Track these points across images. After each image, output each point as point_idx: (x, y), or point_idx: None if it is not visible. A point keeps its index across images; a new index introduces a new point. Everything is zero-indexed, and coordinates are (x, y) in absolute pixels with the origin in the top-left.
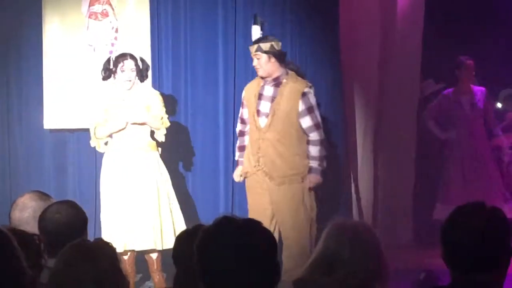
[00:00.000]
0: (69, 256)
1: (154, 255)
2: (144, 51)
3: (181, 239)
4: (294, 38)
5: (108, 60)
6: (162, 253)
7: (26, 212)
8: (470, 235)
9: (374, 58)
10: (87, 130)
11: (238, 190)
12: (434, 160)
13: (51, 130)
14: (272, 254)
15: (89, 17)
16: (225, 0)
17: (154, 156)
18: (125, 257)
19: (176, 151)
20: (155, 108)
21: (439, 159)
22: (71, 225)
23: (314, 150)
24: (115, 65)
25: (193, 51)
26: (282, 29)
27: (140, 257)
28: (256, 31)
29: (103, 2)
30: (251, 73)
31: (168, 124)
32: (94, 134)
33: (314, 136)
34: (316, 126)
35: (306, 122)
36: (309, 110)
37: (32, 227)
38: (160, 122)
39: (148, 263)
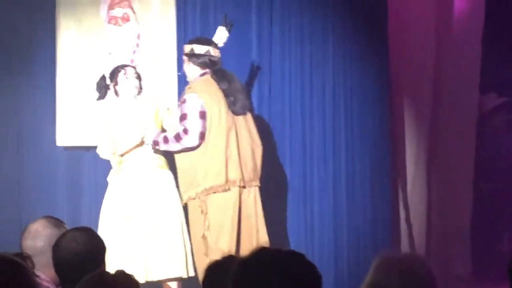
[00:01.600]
0: None
1: (173, 285)
2: (169, 60)
3: (211, 270)
4: (337, 49)
5: (103, 77)
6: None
7: (40, 241)
8: None
9: (427, 67)
10: None
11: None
12: (496, 182)
13: (65, 148)
14: None
15: (109, 22)
16: (260, 3)
17: (169, 175)
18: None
19: None
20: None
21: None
22: (88, 255)
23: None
24: (112, 78)
25: (224, 60)
26: (323, 30)
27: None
28: (220, 33)
29: (124, 5)
30: (288, 82)
31: None
32: (114, 153)
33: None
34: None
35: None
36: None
37: (47, 258)
38: None
39: None
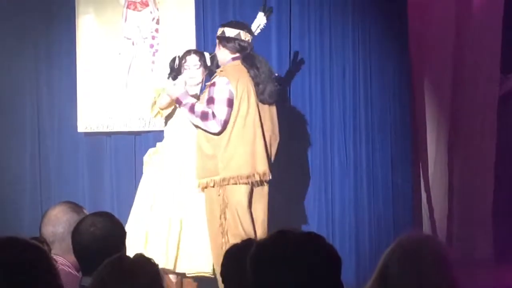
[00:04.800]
0: (106, 275)
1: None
2: (188, 45)
3: (230, 254)
4: (357, 31)
5: (173, 59)
6: None
7: (60, 227)
8: None
9: (447, 50)
10: (126, 133)
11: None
12: None
13: (86, 134)
14: (334, 272)
15: (127, 7)
16: None
17: None
18: (173, 278)
19: None
20: None
21: None
22: (108, 239)
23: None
24: (180, 64)
25: None
26: (342, 13)
27: None
28: (259, 19)
29: None
30: (308, 70)
31: None
32: (154, 102)
33: None
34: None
35: None
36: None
37: (68, 243)
38: None
39: None
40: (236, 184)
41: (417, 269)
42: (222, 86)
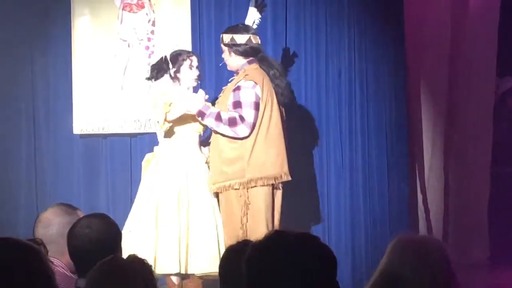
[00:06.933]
0: (100, 276)
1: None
2: (184, 47)
3: (228, 256)
4: (352, 34)
5: (163, 59)
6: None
7: (50, 229)
8: None
9: (443, 52)
10: (121, 135)
11: None
12: None
13: (81, 135)
14: (329, 272)
15: (123, 9)
16: None
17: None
18: (175, 280)
19: None
20: None
21: None
22: (102, 241)
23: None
24: (175, 64)
25: None
26: (338, 24)
27: None
28: (252, 14)
29: None
30: (303, 71)
31: None
32: (165, 119)
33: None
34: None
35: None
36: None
37: (58, 246)
38: None
39: None
40: (263, 185)
41: (432, 272)
42: (248, 89)
